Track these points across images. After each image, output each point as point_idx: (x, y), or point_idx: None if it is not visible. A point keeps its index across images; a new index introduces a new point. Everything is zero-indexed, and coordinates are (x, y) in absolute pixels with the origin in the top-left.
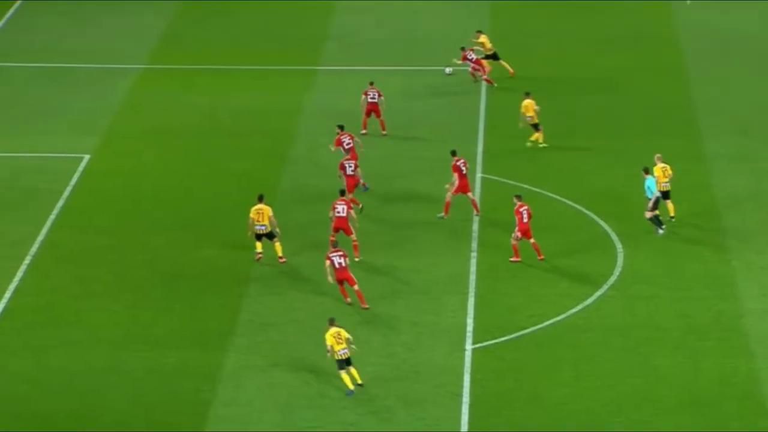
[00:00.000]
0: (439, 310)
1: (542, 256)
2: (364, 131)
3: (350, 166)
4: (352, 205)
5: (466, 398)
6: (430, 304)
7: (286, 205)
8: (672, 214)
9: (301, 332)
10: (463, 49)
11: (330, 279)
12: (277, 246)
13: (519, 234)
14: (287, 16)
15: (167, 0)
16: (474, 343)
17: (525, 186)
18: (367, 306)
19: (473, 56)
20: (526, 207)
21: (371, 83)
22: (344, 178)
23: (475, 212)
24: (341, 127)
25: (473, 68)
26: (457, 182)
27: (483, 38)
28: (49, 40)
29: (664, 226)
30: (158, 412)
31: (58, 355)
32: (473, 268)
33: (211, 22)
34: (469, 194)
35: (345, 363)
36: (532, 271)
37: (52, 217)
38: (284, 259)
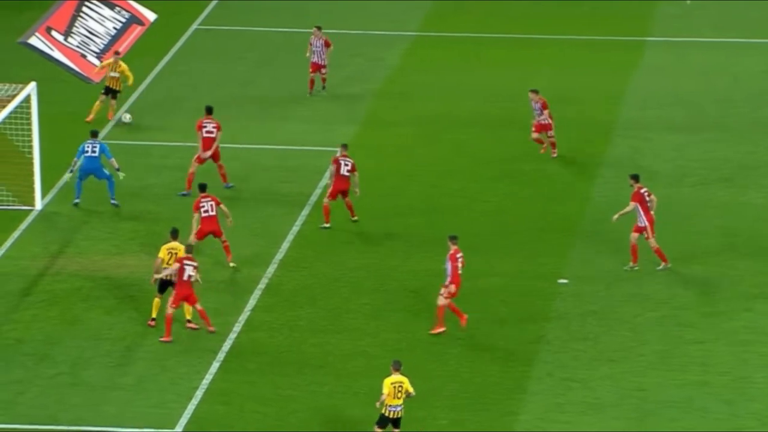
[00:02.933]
0: None
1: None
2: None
3: (346, 165)
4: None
5: None
6: None
7: (595, 219)
8: None
9: (619, 391)
10: None
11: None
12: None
13: (453, 289)
14: None
15: None
16: None
17: None
18: (213, 329)
19: None
20: (461, 254)
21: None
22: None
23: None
24: (209, 110)
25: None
26: (644, 217)
27: (123, 66)
28: (296, 2)
29: None
30: None
31: (300, 406)
32: None
33: None
34: (652, 240)
35: (391, 423)
36: None
37: (294, 228)
38: (192, 325)
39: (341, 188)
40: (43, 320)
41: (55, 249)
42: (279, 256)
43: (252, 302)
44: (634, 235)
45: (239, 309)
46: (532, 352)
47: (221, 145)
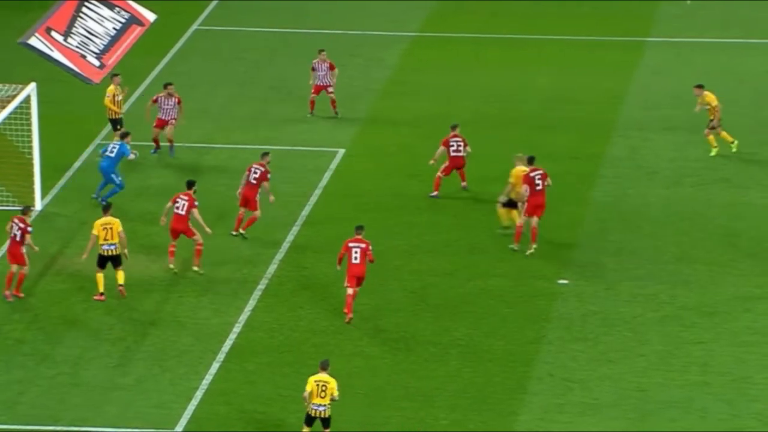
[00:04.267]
0: None
1: (350, 316)
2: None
3: (255, 173)
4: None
5: None
6: None
7: (596, 219)
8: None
9: (619, 392)
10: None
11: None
12: (120, 274)
13: (339, 268)
14: None
15: None
16: None
17: None
18: (12, 297)
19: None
20: (365, 246)
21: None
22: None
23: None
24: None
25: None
26: (528, 198)
27: (114, 89)
28: (295, 2)
29: None
30: None
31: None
32: None
33: None
34: (534, 219)
35: (321, 423)
36: None
37: (294, 229)
38: (123, 291)
39: (246, 195)
40: (43, 320)
41: (54, 249)
42: (279, 256)
43: (252, 302)
44: (524, 217)
45: (239, 309)
46: (533, 353)
47: (221, 146)
